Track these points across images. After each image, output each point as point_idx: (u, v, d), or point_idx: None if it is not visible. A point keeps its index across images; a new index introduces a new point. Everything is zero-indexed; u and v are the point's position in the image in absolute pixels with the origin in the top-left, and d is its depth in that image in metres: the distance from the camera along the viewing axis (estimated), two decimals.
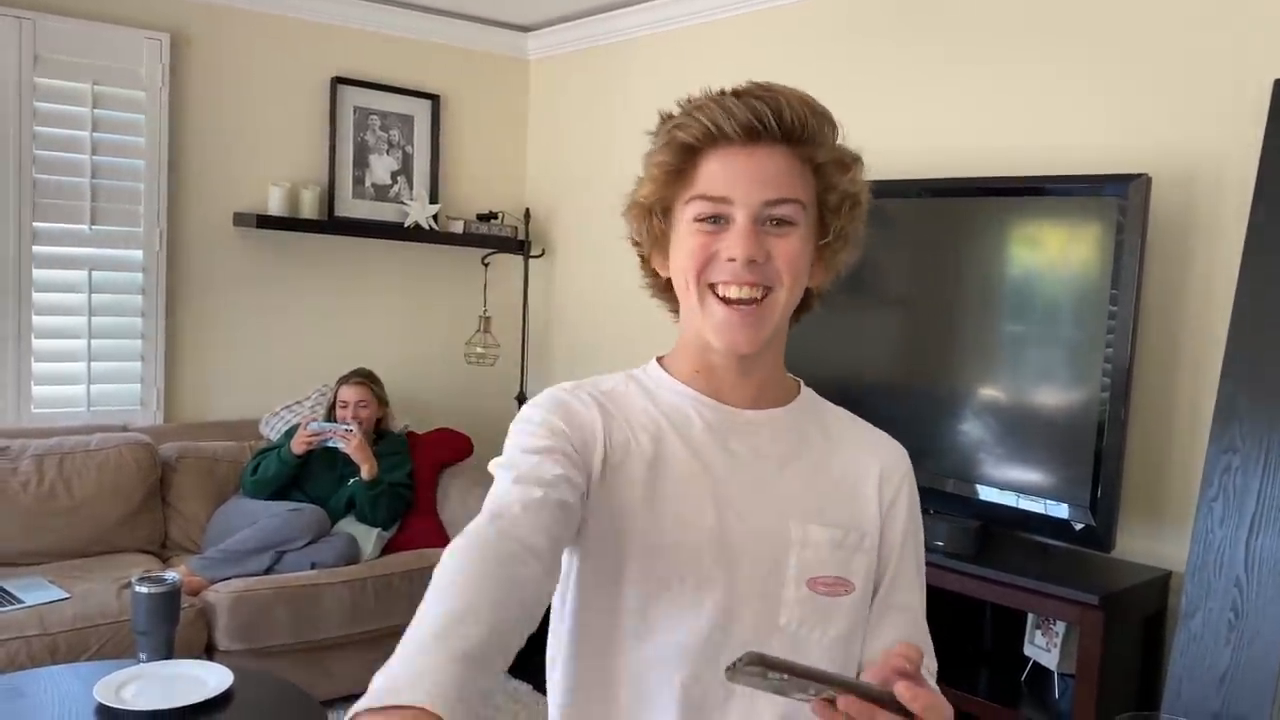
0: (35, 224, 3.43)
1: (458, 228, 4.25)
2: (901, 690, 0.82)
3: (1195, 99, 2.45)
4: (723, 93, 1.03)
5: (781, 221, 1.02)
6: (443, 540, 3.58)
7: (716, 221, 1.02)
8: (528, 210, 4.46)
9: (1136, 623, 2.36)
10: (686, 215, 1.04)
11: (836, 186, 1.04)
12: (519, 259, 4.43)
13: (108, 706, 2.09)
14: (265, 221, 3.77)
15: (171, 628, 2.35)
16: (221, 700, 2.17)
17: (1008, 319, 2.57)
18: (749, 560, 1.04)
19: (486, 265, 4.40)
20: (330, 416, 3.61)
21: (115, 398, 3.65)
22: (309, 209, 3.90)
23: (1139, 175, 2.32)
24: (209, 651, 3.00)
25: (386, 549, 3.50)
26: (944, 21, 2.97)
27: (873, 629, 1.10)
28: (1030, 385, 2.52)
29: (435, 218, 4.18)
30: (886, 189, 2.76)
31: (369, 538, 3.44)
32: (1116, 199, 2.33)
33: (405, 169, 4.22)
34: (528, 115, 4.60)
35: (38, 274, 3.46)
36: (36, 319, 3.47)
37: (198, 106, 3.75)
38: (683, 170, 1.04)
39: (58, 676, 2.29)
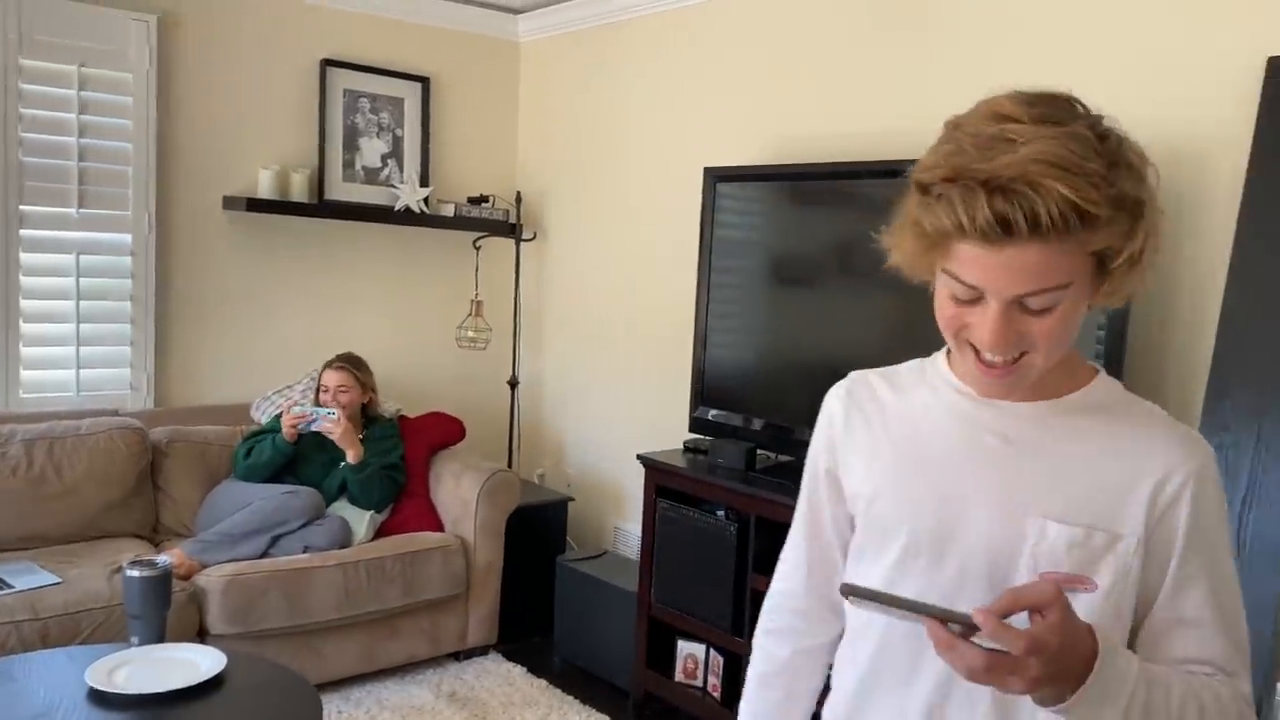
0: (22, 207, 3.40)
1: (449, 211, 4.23)
2: (979, 617, 0.88)
3: (1185, 77, 2.44)
4: (972, 180, 0.92)
5: (1041, 310, 0.96)
6: (435, 524, 3.58)
7: (970, 300, 0.99)
8: (519, 193, 4.44)
9: None
10: (941, 276, 1.01)
11: (1118, 252, 0.95)
12: (510, 242, 4.42)
13: (100, 690, 2.08)
14: (255, 205, 3.75)
15: (164, 611, 2.35)
16: (214, 683, 2.17)
17: None
18: (978, 550, 1.05)
19: (478, 249, 4.39)
20: (317, 400, 3.61)
21: (105, 382, 3.63)
22: (299, 192, 3.88)
23: None
24: (201, 635, 2.99)
25: (379, 532, 3.50)
26: (937, 2, 2.96)
27: (1156, 644, 1.04)
28: None
29: (426, 201, 4.16)
30: (867, 170, 2.74)
31: (361, 521, 3.43)
32: None
33: (395, 152, 4.20)
34: (519, 98, 4.58)
35: (25, 258, 3.43)
36: (24, 303, 3.45)
37: (186, 89, 3.72)
38: (936, 244, 0.99)
39: (49, 661, 2.28)
